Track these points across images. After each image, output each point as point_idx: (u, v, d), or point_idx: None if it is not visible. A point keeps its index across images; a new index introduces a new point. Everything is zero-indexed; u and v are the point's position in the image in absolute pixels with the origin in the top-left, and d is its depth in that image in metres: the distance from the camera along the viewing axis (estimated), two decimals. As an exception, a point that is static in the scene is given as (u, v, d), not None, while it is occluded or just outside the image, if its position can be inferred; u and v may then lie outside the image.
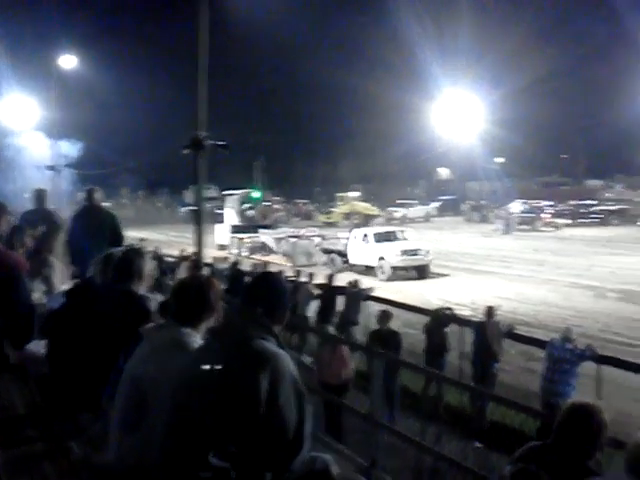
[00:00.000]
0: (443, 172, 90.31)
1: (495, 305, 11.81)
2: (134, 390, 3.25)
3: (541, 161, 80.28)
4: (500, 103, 64.80)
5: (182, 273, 15.85)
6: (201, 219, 13.10)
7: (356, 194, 64.15)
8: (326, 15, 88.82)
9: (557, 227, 47.36)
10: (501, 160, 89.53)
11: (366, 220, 56.72)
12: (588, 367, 9.46)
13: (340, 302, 14.91)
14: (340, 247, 30.29)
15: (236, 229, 38.71)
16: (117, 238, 8.19)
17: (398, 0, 65.96)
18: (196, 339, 3.31)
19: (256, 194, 42.31)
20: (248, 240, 36.57)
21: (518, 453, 3.50)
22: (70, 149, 29.29)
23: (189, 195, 43.35)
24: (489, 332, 10.60)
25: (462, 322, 11.77)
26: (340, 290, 14.99)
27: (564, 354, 9.32)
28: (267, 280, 3.28)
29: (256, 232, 37.30)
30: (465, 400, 10.54)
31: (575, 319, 17.70)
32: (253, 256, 34.13)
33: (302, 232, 35.38)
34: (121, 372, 3.40)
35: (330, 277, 15.50)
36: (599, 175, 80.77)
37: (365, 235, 29.29)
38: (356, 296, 14.52)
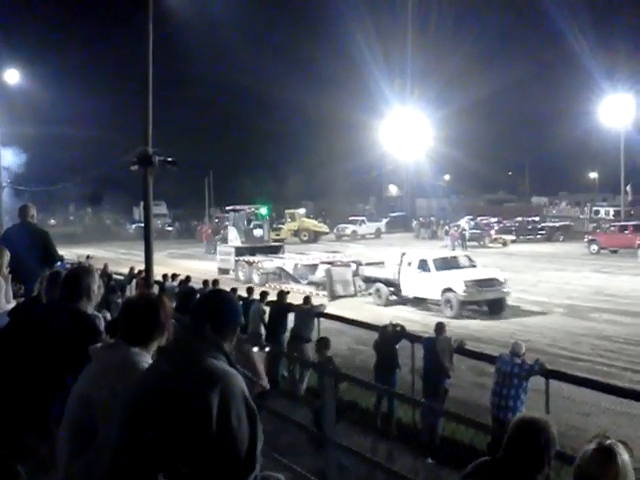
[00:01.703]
0: (392, 189, 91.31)
1: (445, 321, 11.94)
2: (82, 411, 3.19)
3: (487, 178, 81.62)
4: (447, 121, 65.94)
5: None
6: (149, 235, 12.97)
7: (305, 211, 64.26)
8: (276, 33, 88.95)
9: (504, 243, 48.27)
10: (448, 177, 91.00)
11: (315, 237, 56.97)
12: (537, 382, 9.58)
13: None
14: (388, 275, 25.51)
15: (242, 251, 33.23)
16: (50, 257, 8.03)
17: (348, 18, 66.51)
18: (146, 359, 3.26)
19: (264, 210, 37.42)
20: (260, 265, 31.01)
21: (469, 469, 3.50)
22: (14, 163, 28.77)
23: (138, 212, 42.27)
24: (439, 348, 10.68)
25: (412, 338, 11.83)
26: (291, 307, 14.93)
27: (513, 369, 9.43)
28: (216, 297, 3.25)
29: (268, 255, 32.13)
30: (417, 416, 10.58)
31: (523, 334, 17.99)
32: (270, 284, 28.50)
33: (335, 257, 30.47)
34: (69, 392, 3.33)
35: (281, 294, 15.43)
36: (544, 192, 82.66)
37: (423, 261, 24.14)
38: (308, 313, 14.50)
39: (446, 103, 64.66)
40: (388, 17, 68.89)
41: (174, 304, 14.37)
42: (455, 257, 25.35)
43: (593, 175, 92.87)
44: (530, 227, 53.82)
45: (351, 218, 63.37)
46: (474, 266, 24.29)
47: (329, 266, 27.87)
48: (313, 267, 29.12)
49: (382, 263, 27.17)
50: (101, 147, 53.65)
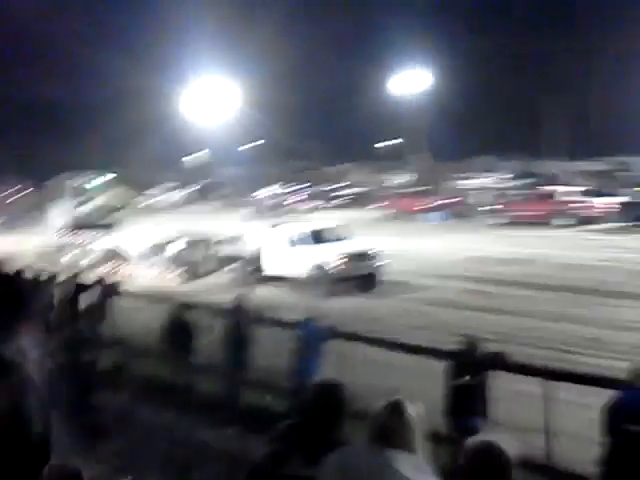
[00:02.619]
0: (198, 157, 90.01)
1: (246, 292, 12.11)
2: None
3: (290, 147, 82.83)
4: (253, 88, 65.85)
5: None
6: None
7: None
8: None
9: (310, 211, 49.09)
10: (252, 145, 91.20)
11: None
12: (335, 344, 10.00)
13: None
14: (248, 252, 23.23)
15: (67, 230, 29.01)
16: None
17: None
18: None
19: (97, 180, 32.24)
20: (90, 246, 27.17)
21: (271, 434, 3.65)
22: None
23: None
24: (241, 317, 10.82)
25: (214, 311, 11.89)
26: (85, 287, 14.31)
27: (310, 333, 9.78)
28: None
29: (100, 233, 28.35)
30: (219, 387, 10.64)
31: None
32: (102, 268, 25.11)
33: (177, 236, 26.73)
34: None
35: (75, 275, 14.77)
36: (346, 160, 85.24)
37: (292, 235, 21.89)
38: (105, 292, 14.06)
39: (249, 70, 64.62)
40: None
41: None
42: (329, 229, 22.66)
43: (389, 143, 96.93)
44: (333, 195, 55.33)
45: (155, 188, 61.82)
46: (346, 238, 22.02)
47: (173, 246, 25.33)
48: (157, 247, 26.02)
49: (237, 238, 25.13)
50: None
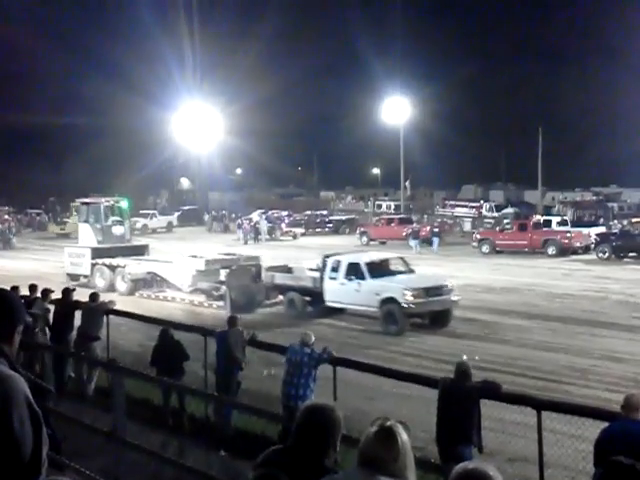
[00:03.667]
0: (185, 182, 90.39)
1: (238, 315, 12.05)
2: None
3: (278, 173, 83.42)
4: (239, 115, 66.40)
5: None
6: None
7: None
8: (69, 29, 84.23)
9: (295, 236, 49.63)
10: (240, 171, 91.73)
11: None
12: (327, 369, 9.94)
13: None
14: (304, 282, 21.35)
15: (100, 253, 27.15)
16: None
17: (136, 10, 65.01)
18: None
19: (125, 203, 30.67)
20: (126, 269, 25.35)
21: (260, 458, 3.56)
22: None
23: None
24: (232, 341, 10.74)
25: (205, 331, 11.81)
26: (78, 305, 14.27)
27: (303, 358, 9.71)
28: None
29: (133, 257, 26.66)
30: (209, 410, 10.59)
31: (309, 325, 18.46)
32: (145, 293, 24.48)
33: (230, 258, 24.76)
34: None
35: (66, 291, 14.70)
36: (331, 187, 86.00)
37: (353, 266, 20.05)
38: (96, 310, 13.96)
39: (238, 97, 65.18)
40: (176, 11, 68.06)
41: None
42: (387, 260, 21.52)
43: (376, 171, 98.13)
44: (319, 220, 55.80)
45: (142, 212, 61.82)
46: (412, 271, 21.04)
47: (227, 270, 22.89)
48: (203, 272, 23.54)
49: (286, 266, 23.55)
50: None
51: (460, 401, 8.19)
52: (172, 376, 10.38)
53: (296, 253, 35.84)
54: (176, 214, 64.30)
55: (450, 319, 19.16)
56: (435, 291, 19.08)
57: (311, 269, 21.94)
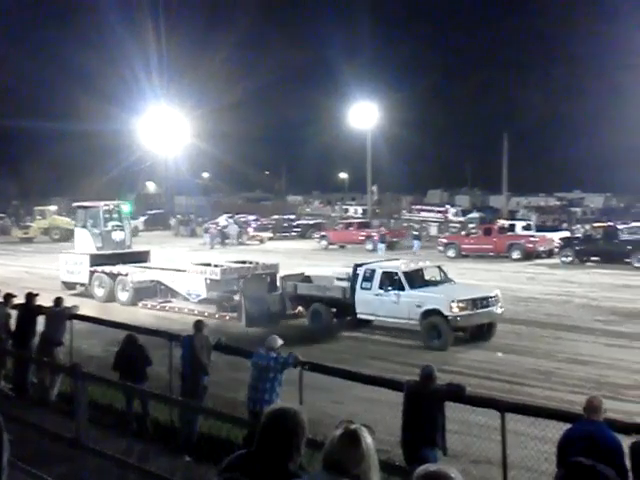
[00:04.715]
0: (151, 186, 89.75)
1: (204, 319, 11.97)
2: None
3: (245, 177, 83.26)
4: (206, 120, 66.21)
5: None
6: None
7: (56, 208, 60.82)
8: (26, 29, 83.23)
9: (262, 241, 49.56)
10: (207, 175, 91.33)
11: (67, 235, 54.26)
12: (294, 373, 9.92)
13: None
14: (332, 292, 19.85)
15: (99, 260, 25.65)
16: None
17: (101, 14, 64.49)
18: None
19: (126, 207, 29.01)
20: (129, 277, 23.92)
21: (224, 463, 3.53)
22: None
23: None
24: (198, 345, 10.67)
25: (170, 336, 11.71)
26: (41, 310, 14.08)
27: (269, 362, 9.67)
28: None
29: (135, 264, 25.16)
30: (174, 415, 10.50)
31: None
32: (149, 303, 23.07)
33: (247, 267, 23.08)
34: None
35: (29, 296, 14.49)
36: (298, 191, 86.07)
37: (389, 275, 18.67)
38: (59, 315, 13.77)
39: (206, 101, 65.01)
40: (143, 14, 67.62)
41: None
42: (424, 269, 20.04)
43: (343, 175, 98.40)
44: (286, 225, 55.77)
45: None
46: (451, 280, 19.70)
47: (241, 279, 21.63)
48: (221, 282, 21.97)
49: (302, 274, 21.91)
50: None
51: (425, 404, 8.23)
52: (135, 381, 10.28)
53: (262, 258, 35.75)
54: (142, 218, 63.76)
55: (494, 333, 18.02)
56: (482, 302, 17.81)
57: (339, 278, 20.52)
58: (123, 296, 23.96)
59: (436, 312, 17.32)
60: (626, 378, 14.00)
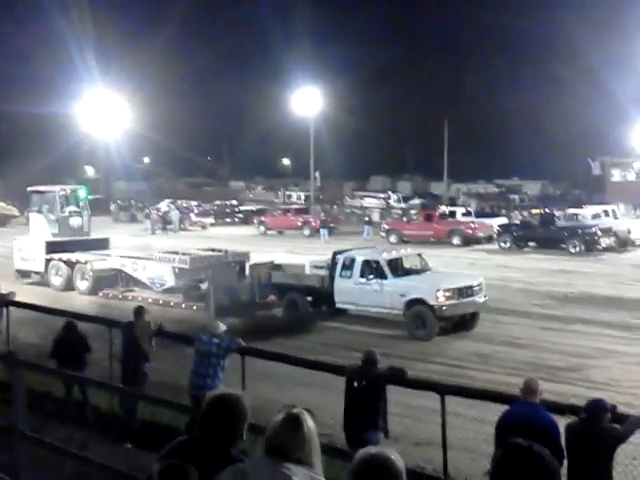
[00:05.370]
0: (90, 171, 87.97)
1: (144, 305, 11.85)
2: None
3: (187, 162, 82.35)
4: (147, 104, 65.10)
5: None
6: None
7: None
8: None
9: (204, 227, 49.19)
10: (148, 160, 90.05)
11: (5, 221, 52.91)
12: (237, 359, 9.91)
13: None
14: (312, 281, 19.22)
15: (56, 246, 24.42)
16: None
17: None
18: None
19: (83, 192, 27.43)
20: (89, 265, 22.95)
21: (166, 449, 3.52)
22: None
23: None
24: (138, 332, 10.55)
25: (110, 322, 11.56)
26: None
27: (211, 348, 9.63)
28: None
29: (94, 251, 23.99)
30: (115, 402, 10.37)
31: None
32: (110, 292, 22.12)
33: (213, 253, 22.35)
34: None
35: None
36: (241, 177, 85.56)
37: (370, 263, 18.13)
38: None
39: (146, 86, 63.92)
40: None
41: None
42: (406, 257, 19.53)
43: (286, 161, 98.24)
44: (228, 211, 55.48)
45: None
46: (432, 269, 19.20)
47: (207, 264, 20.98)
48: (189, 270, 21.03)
49: (272, 262, 21.25)
50: None
51: (367, 387, 8.32)
52: (74, 368, 10.12)
53: (203, 244, 35.49)
54: (81, 203, 62.42)
55: (477, 323, 17.66)
56: (468, 291, 17.38)
57: (317, 266, 20.00)
58: (82, 285, 23.11)
59: (421, 301, 16.93)
60: (561, 360, 14.37)
